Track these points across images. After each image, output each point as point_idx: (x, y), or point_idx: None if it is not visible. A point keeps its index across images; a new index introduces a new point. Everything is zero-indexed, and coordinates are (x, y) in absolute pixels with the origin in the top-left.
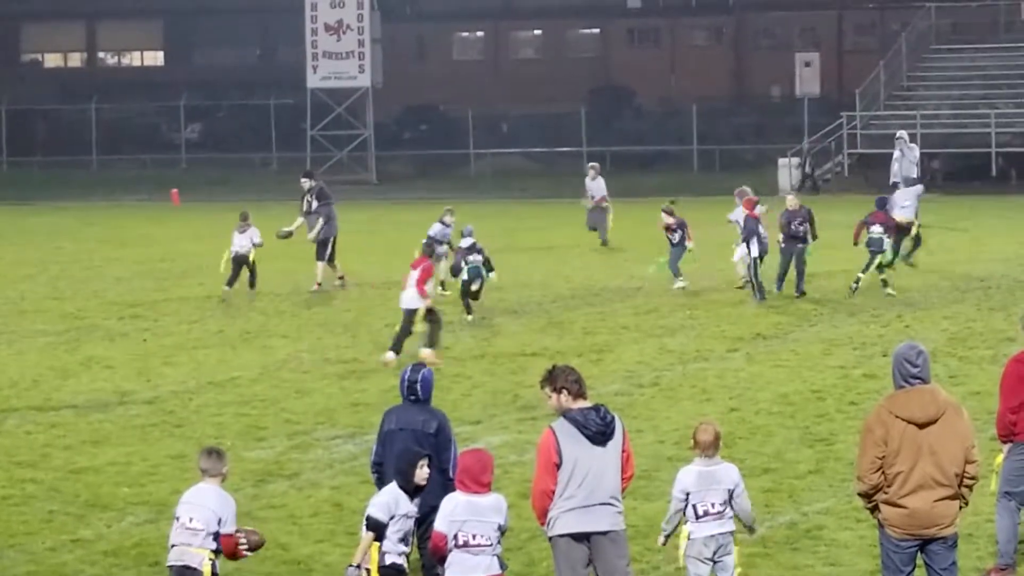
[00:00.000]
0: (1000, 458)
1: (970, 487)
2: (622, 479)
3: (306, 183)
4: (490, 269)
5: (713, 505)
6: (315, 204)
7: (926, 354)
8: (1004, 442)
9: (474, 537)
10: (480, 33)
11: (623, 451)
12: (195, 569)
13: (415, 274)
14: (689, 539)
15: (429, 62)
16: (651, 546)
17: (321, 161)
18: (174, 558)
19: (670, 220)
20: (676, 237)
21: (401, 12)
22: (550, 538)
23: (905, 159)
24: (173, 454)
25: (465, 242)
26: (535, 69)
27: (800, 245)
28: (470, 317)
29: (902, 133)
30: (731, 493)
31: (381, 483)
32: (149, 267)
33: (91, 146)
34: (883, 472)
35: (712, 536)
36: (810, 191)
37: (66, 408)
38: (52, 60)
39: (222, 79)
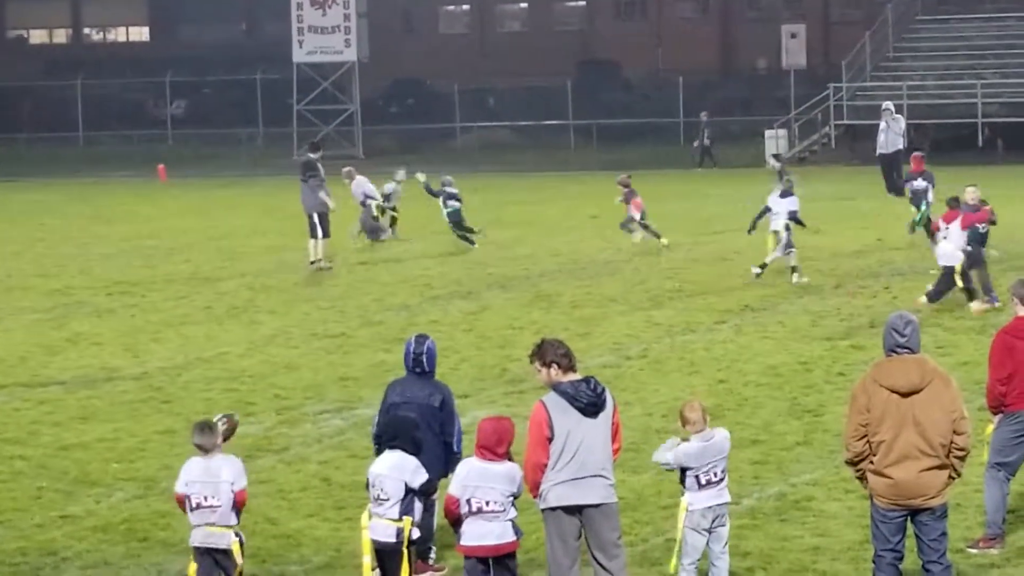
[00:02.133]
0: (990, 428)
1: (960, 458)
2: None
3: (310, 154)
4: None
5: (716, 474)
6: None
7: (915, 323)
8: (994, 413)
9: (487, 504)
10: (466, 7)
11: (613, 423)
12: (224, 550)
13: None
14: (688, 510)
15: (415, 36)
16: (640, 519)
17: (308, 136)
18: (200, 539)
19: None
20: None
21: None
22: (542, 510)
23: (891, 130)
24: (161, 430)
25: (448, 188)
26: (521, 42)
27: None
28: (475, 244)
29: (888, 104)
30: (726, 459)
31: (379, 455)
32: (136, 244)
33: (77, 122)
34: (867, 440)
35: (710, 507)
36: (708, 166)
37: (54, 384)
38: (37, 36)
39: (208, 55)
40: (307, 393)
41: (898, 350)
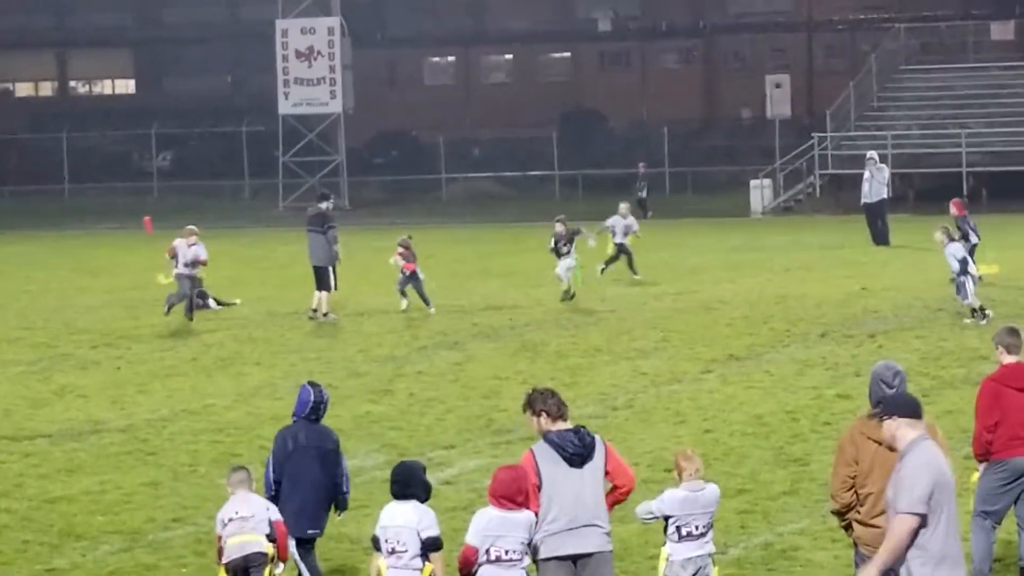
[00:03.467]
0: (975, 476)
1: None
2: (616, 493)
3: (325, 204)
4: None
5: (697, 528)
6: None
7: (903, 374)
8: (980, 461)
9: (506, 552)
10: (451, 58)
11: (606, 471)
12: (260, 552)
13: None
14: (668, 560)
15: (400, 87)
16: (627, 568)
17: (293, 188)
18: (235, 552)
19: (561, 229)
20: (567, 248)
21: (372, 38)
22: (535, 561)
23: (875, 180)
24: (147, 482)
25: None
26: (506, 93)
27: None
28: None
29: (872, 154)
30: (712, 514)
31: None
32: (121, 296)
33: (63, 175)
34: (855, 491)
35: (690, 558)
36: (642, 217)
37: (40, 437)
38: (23, 89)
39: (193, 107)
40: None
41: None
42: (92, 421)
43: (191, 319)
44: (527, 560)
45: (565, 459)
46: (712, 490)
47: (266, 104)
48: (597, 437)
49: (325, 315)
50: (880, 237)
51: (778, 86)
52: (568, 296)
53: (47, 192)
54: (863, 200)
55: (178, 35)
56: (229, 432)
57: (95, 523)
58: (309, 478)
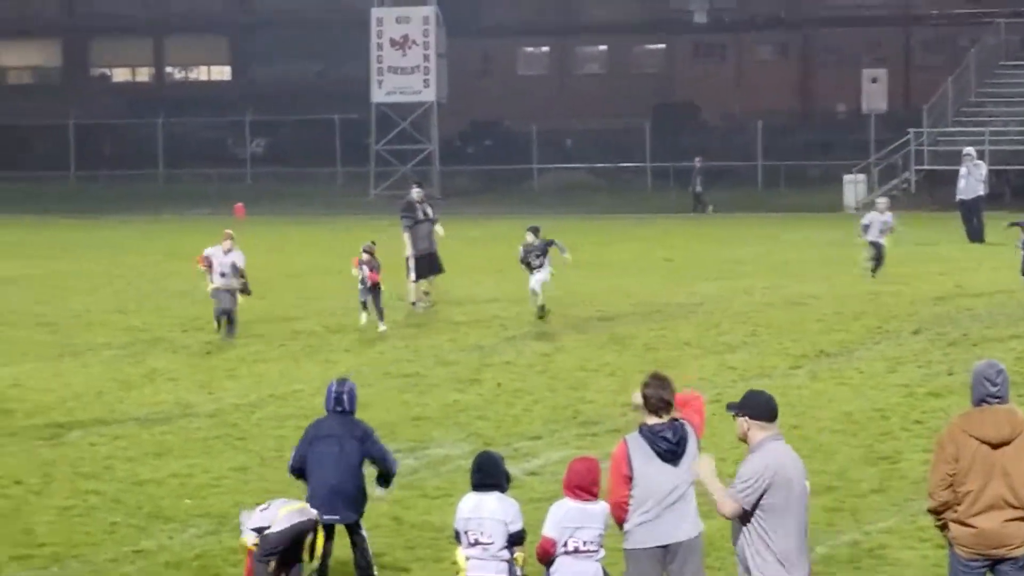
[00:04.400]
0: None
1: None
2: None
3: (418, 192)
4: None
5: None
6: (431, 212)
7: (1006, 373)
8: None
9: (584, 544)
10: (545, 48)
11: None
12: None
13: None
14: None
15: (494, 77)
16: (711, 564)
17: (385, 176)
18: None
19: (532, 240)
20: (539, 261)
21: (466, 27)
22: (625, 550)
23: (972, 176)
24: (235, 466)
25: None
26: (599, 84)
27: None
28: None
29: (969, 150)
30: None
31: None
32: None
33: (158, 160)
34: (953, 489)
35: None
36: (699, 211)
37: (129, 420)
38: (120, 75)
39: (287, 94)
40: (379, 432)
41: (989, 400)
42: (181, 405)
43: (232, 336)
44: (603, 552)
45: (657, 454)
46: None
47: (359, 92)
48: (687, 426)
49: (413, 303)
50: (975, 234)
51: (874, 80)
52: (542, 312)
53: (142, 177)
54: (959, 196)
55: (273, 21)
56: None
57: (182, 506)
58: (328, 467)
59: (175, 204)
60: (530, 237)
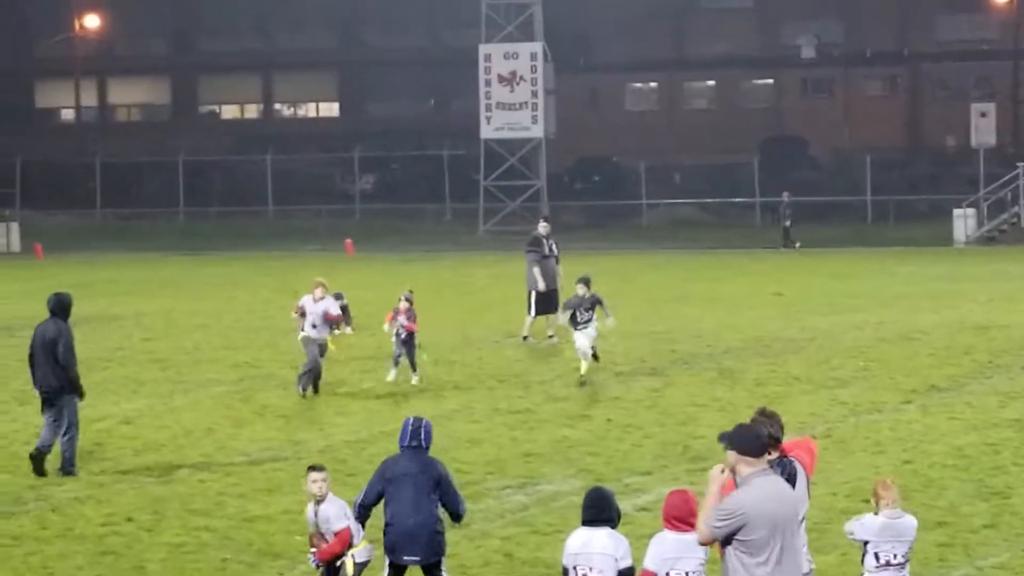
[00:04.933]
0: None
1: None
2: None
3: (545, 228)
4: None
5: (895, 556)
6: (556, 249)
7: None
8: None
9: (686, 574)
10: (653, 84)
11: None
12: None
13: None
14: None
15: (602, 112)
16: None
17: (494, 212)
18: None
19: (583, 292)
20: (587, 315)
21: (574, 63)
22: None
23: None
24: (346, 502)
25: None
26: (708, 119)
27: None
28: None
29: None
30: (910, 545)
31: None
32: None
33: (267, 196)
34: None
35: None
36: (789, 247)
37: (240, 456)
38: (229, 112)
39: (396, 130)
40: (489, 468)
41: None
42: (292, 442)
43: (316, 391)
44: None
45: None
46: (910, 520)
47: (468, 128)
48: (798, 465)
49: (550, 337)
50: None
51: (983, 115)
52: (585, 379)
53: (252, 213)
54: None
55: (382, 59)
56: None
57: (293, 543)
58: (406, 506)
59: (284, 241)
60: (581, 289)
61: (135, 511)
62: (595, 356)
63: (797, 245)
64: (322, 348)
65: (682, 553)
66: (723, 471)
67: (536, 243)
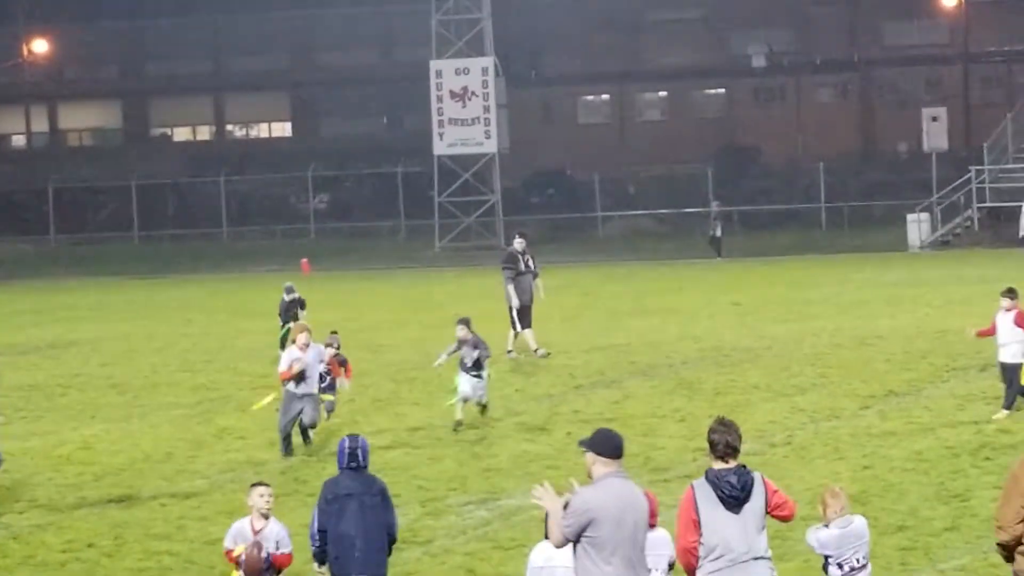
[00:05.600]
0: None
1: None
2: (781, 516)
3: (521, 243)
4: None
5: (857, 560)
6: (534, 265)
7: None
8: None
9: (649, 572)
10: (605, 96)
11: (769, 508)
12: None
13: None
14: None
15: (555, 126)
16: None
17: (449, 228)
18: None
19: (464, 335)
20: (471, 358)
21: (526, 77)
22: None
23: None
24: (306, 522)
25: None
26: (661, 130)
27: None
28: None
29: None
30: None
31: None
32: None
33: (221, 218)
34: None
35: None
36: (716, 257)
37: (200, 479)
38: (181, 134)
39: (349, 149)
40: (451, 484)
41: None
42: (252, 463)
43: (307, 441)
44: None
45: (721, 500)
46: (860, 522)
47: (421, 145)
48: (757, 476)
49: (508, 351)
50: None
51: (935, 119)
52: (460, 425)
53: (206, 235)
54: (1021, 233)
55: (333, 78)
56: (386, 472)
57: None
58: (356, 525)
59: (240, 262)
60: (460, 331)
61: (96, 537)
62: (483, 407)
63: (718, 256)
64: (316, 403)
65: (648, 551)
66: (558, 492)
67: (511, 260)
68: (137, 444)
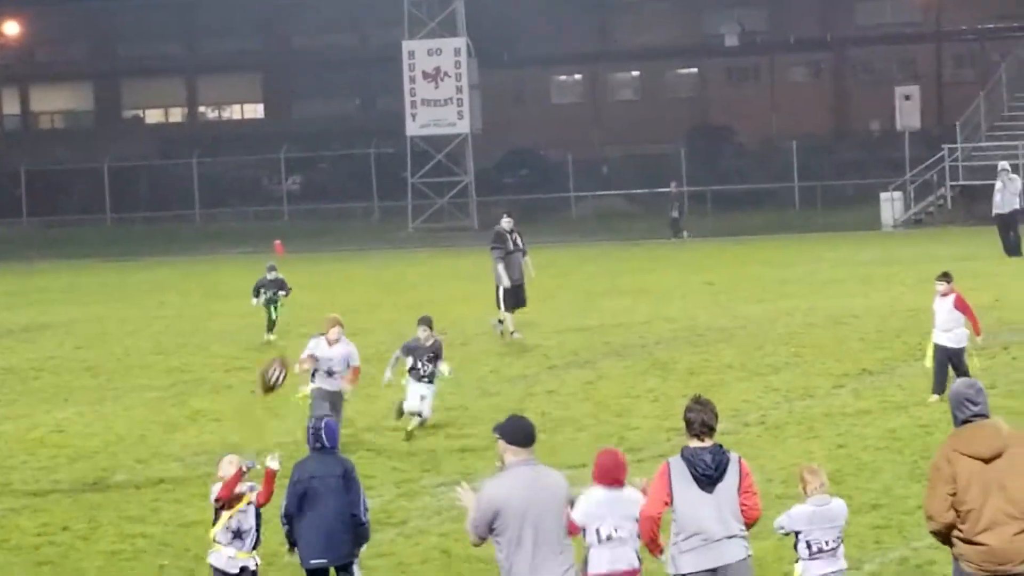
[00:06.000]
0: None
1: None
2: (745, 510)
3: (509, 223)
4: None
5: (827, 543)
6: (522, 243)
7: (984, 390)
8: None
9: (616, 530)
10: (578, 76)
11: (742, 491)
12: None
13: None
14: None
15: (527, 106)
16: None
17: (422, 209)
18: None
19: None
20: (427, 367)
21: (498, 58)
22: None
23: (1007, 190)
24: (279, 505)
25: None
26: (634, 110)
27: None
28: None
29: (1004, 164)
30: (840, 529)
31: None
32: (253, 320)
33: (193, 200)
34: (955, 510)
35: (824, 575)
36: (675, 238)
37: (174, 462)
38: (153, 116)
39: (322, 130)
40: (424, 466)
41: (973, 419)
42: (226, 445)
43: None
44: (637, 542)
45: (695, 478)
46: (838, 504)
47: (394, 126)
48: (734, 456)
49: (512, 332)
50: (1012, 248)
51: (907, 98)
52: (412, 435)
53: (179, 217)
54: (995, 211)
55: (306, 59)
56: (361, 454)
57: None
58: (316, 508)
59: (213, 244)
60: (422, 333)
61: (70, 520)
62: (423, 421)
63: (685, 235)
64: (336, 403)
65: (610, 509)
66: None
67: (499, 239)
68: (111, 427)
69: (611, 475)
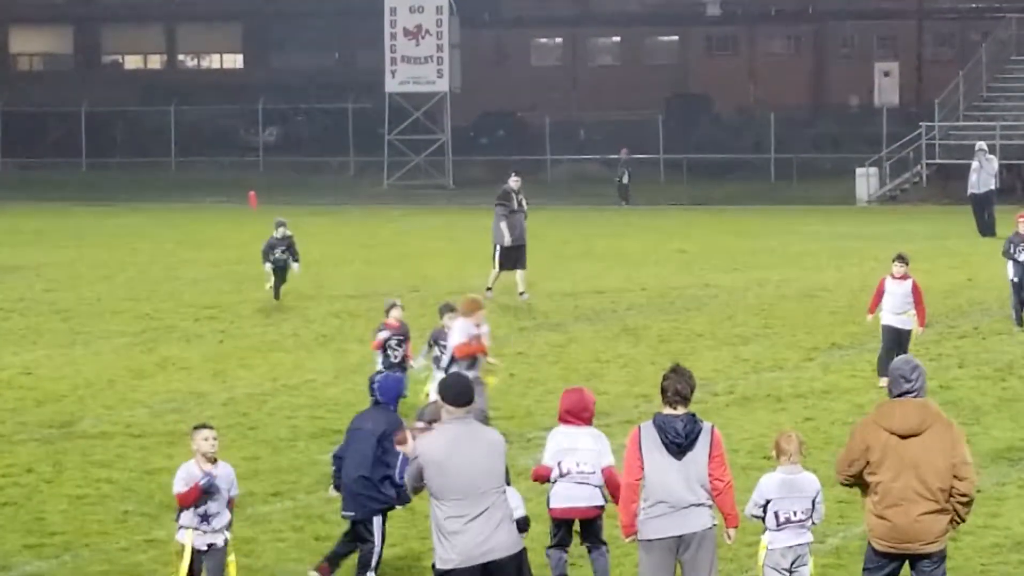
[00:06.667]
0: None
1: (963, 504)
2: (714, 482)
3: (516, 182)
4: (295, 260)
5: (795, 513)
6: (525, 204)
7: (922, 369)
8: None
9: (576, 465)
10: (559, 40)
11: (711, 459)
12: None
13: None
14: (768, 548)
15: (507, 68)
16: (723, 555)
17: (398, 165)
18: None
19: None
20: (397, 352)
21: (480, 18)
22: (638, 542)
23: (983, 170)
24: (247, 456)
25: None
26: (613, 76)
27: None
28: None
29: (981, 144)
30: (813, 502)
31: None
32: (226, 269)
33: (170, 148)
34: (858, 472)
35: (791, 547)
36: (622, 205)
37: (142, 408)
38: (132, 62)
39: (300, 83)
40: None
41: (903, 396)
42: (194, 394)
43: None
44: (599, 478)
45: (664, 445)
46: (808, 477)
47: (373, 81)
48: (706, 425)
49: (521, 294)
50: (987, 228)
51: (887, 74)
52: None
53: (155, 164)
54: (970, 191)
55: (287, 10)
56: (329, 408)
57: None
58: (349, 460)
59: (187, 192)
60: (396, 313)
61: (35, 462)
62: None
63: (623, 205)
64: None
65: (574, 444)
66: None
67: (505, 197)
68: (79, 371)
69: (576, 413)
